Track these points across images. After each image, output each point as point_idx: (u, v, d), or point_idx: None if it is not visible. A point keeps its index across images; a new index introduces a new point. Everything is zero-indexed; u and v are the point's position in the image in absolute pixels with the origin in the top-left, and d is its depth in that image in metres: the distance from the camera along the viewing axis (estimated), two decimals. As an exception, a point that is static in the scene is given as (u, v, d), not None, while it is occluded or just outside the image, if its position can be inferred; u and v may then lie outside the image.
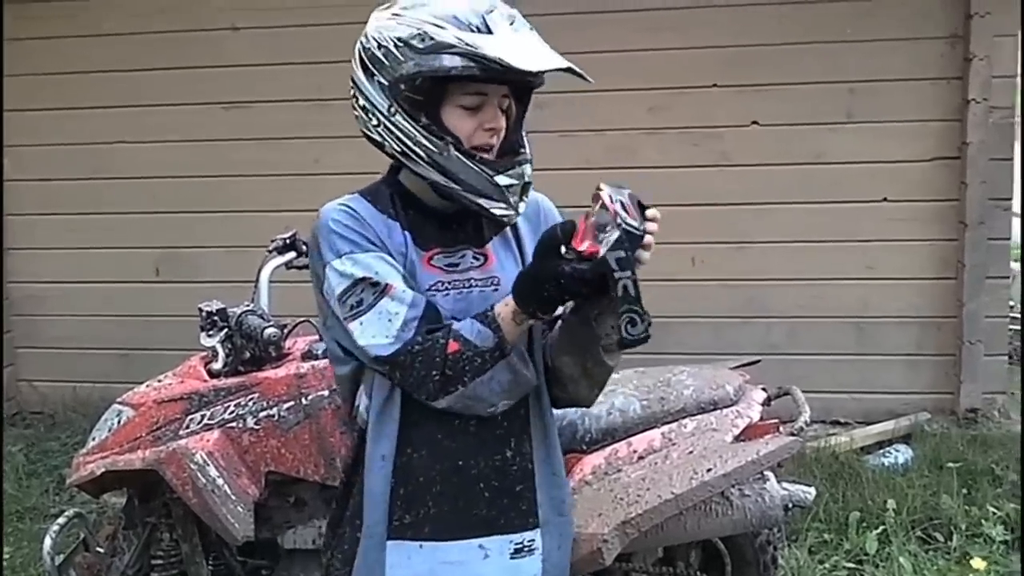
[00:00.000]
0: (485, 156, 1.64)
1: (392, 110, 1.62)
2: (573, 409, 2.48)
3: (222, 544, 2.73)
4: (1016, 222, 5.49)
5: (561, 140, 4.67)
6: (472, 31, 1.57)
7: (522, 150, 1.69)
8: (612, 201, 1.47)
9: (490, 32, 1.58)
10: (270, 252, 2.93)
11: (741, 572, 2.79)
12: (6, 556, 3.71)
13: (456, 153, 1.61)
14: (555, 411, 1.79)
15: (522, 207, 1.68)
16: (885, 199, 4.76)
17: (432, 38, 1.58)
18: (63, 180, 5.29)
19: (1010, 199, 4.73)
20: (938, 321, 4.79)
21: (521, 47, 1.57)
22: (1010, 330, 5.24)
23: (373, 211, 1.68)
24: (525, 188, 1.67)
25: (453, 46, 1.57)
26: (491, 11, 1.60)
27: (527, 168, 1.68)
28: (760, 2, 4.74)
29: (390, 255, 1.63)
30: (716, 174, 4.81)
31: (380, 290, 1.59)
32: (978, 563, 3.14)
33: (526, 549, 1.71)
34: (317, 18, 4.85)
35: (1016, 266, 6.04)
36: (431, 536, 1.67)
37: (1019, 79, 4.67)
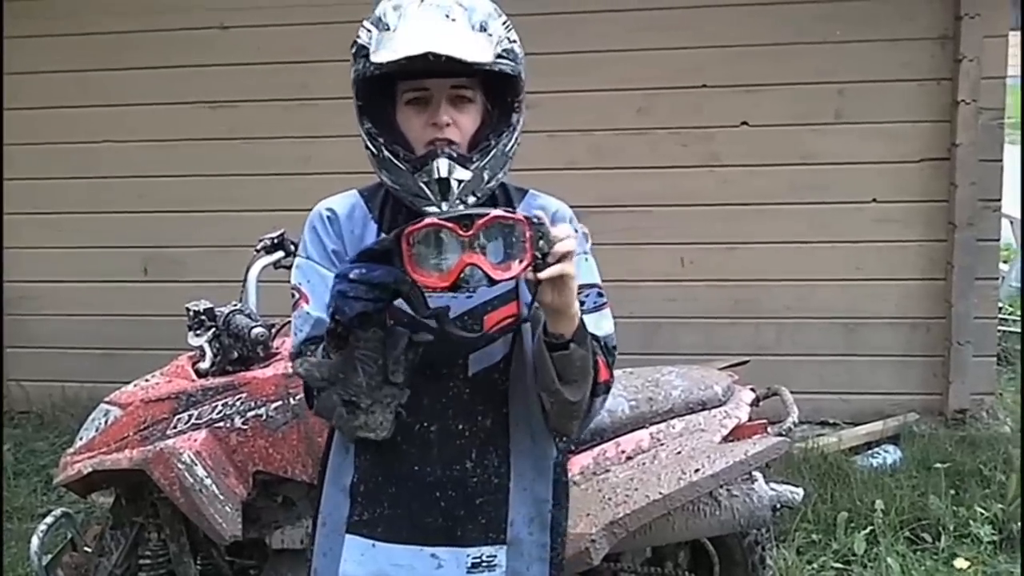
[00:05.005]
0: (437, 150, 1.55)
1: (356, 118, 1.63)
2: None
3: (210, 544, 2.72)
4: (1006, 224, 5.50)
5: (548, 140, 4.63)
6: (381, 29, 1.54)
7: (487, 145, 1.59)
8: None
9: (387, 28, 1.52)
10: (258, 252, 2.92)
11: (729, 572, 2.80)
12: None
13: (387, 153, 1.58)
14: None
15: (459, 208, 1.54)
16: (874, 200, 4.76)
17: (355, 43, 1.57)
18: (50, 179, 5.24)
19: (999, 200, 4.74)
20: (927, 322, 4.80)
21: (411, 36, 1.49)
22: (999, 331, 5.25)
23: (357, 211, 1.67)
24: (443, 185, 1.54)
25: (364, 47, 1.54)
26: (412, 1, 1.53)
27: (441, 163, 1.54)
28: (750, 2, 4.73)
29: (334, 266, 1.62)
30: (705, 175, 4.80)
31: (295, 302, 1.66)
32: (961, 563, 3.15)
33: (485, 564, 1.67)
34: (306, 17, 4.83)
35: (1004, 267, 6.06)
36: (384, 537, 1.67)
37: (1020, 80, 4.67)
